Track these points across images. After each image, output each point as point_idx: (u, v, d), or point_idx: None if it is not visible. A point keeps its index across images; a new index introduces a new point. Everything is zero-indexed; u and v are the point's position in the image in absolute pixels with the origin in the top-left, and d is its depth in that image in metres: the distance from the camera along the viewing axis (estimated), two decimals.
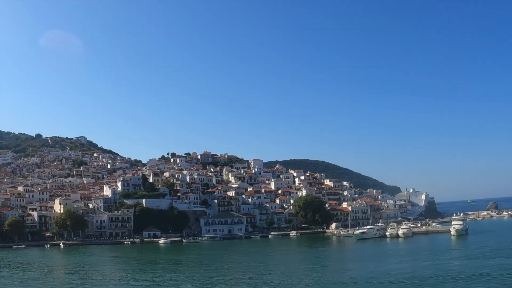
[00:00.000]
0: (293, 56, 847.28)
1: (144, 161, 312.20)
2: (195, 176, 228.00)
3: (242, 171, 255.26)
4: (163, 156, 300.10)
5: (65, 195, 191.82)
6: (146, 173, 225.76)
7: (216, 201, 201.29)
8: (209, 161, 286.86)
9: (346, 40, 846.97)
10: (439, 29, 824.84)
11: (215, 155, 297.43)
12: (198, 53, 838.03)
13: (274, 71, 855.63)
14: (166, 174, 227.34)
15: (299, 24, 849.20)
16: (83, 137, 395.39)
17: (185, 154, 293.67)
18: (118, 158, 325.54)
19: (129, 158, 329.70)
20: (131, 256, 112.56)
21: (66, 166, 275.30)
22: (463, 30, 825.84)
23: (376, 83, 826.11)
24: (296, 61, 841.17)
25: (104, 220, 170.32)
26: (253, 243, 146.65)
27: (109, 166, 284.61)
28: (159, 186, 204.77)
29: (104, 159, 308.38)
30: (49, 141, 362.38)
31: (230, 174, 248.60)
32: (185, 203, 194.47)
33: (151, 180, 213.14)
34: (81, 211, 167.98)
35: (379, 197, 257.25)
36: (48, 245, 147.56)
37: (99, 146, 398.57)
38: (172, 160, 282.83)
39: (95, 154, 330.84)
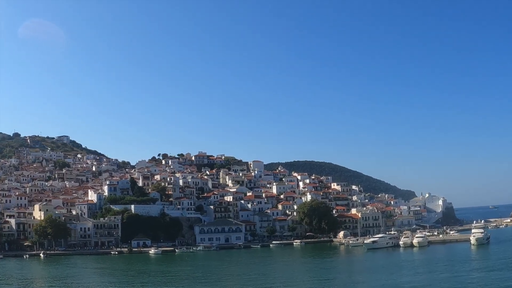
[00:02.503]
0: (297, 48, 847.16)
1: (132, 163, 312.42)
2: (189, 180, 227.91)
3: (240, 174, 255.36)
4: (153, 158, 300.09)
5: (46, 200, 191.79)
6: (135, 176, 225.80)
7: (212, 207, 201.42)
8: (205, 162, 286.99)
9: (355, 31, 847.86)
10: (458, 19, 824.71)
11: (211, 156, 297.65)
12: (192, 45, 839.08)
13: (276, 64, 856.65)
14: (157, 177, 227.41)
15: (304, 14, 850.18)
16: (65, 136, 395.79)
17: (178, 155, 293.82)
18: (104, 160, 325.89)
19: (116, 160, 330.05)
20: (118, 268, 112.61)
21: (47, 169, 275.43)
22: (485, 20, 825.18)
23: (388, 78, 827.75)
24: (300, 53, 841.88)
25: (88, 228, 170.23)
26: (252, 253, 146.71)
27: (94, 169, 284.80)
28: (149, 190, 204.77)
29: (88, 161, 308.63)
30: (28, 140, 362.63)
31: (227, 177, 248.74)
32: (178, 209, 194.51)
33: (140, 183, 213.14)
34: (63, 218, 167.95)
35: (392, 202, 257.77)
36: (27, 256, 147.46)
37: (83, 146, 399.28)
38: (163, 161, 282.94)
39: (79, 155, 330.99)
